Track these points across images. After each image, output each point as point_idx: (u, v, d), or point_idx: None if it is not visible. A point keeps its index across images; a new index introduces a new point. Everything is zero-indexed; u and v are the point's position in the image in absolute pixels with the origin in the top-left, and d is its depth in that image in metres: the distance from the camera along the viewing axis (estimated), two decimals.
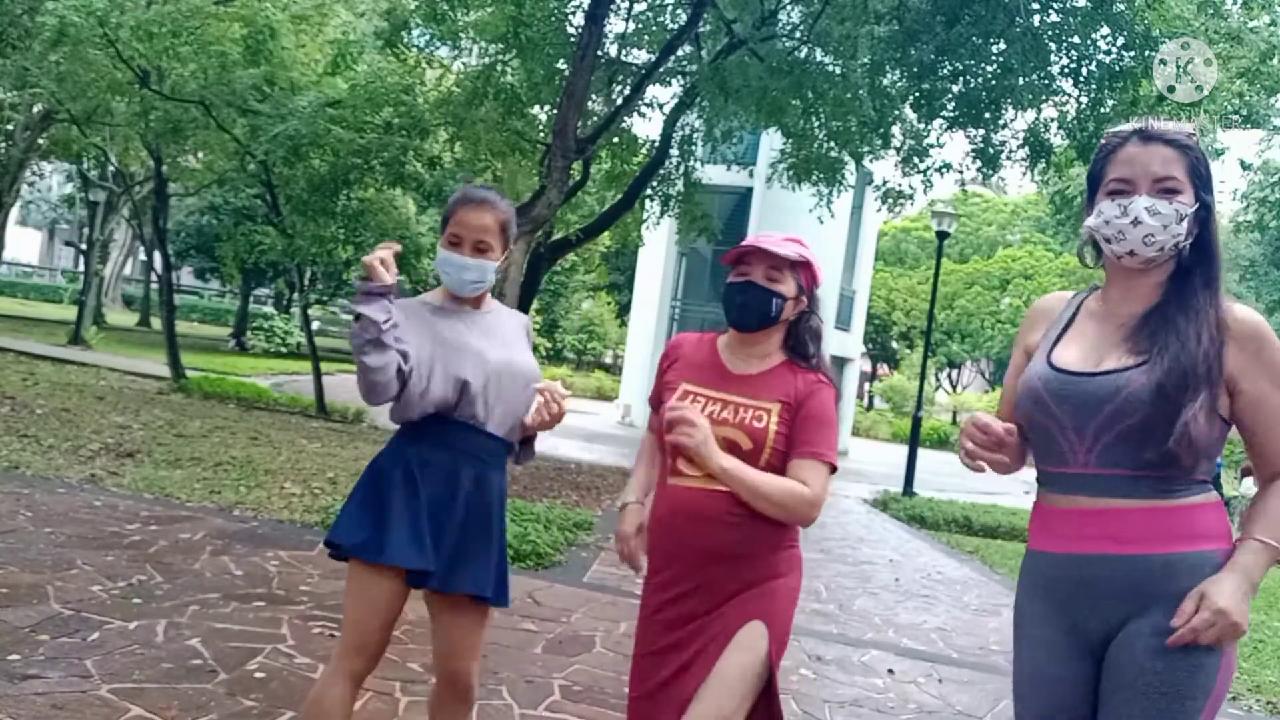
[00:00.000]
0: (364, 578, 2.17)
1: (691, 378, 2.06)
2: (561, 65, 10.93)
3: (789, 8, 10.63)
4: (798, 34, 10.44)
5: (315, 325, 18.92)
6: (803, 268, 2.06)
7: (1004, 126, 10.44)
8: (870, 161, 11.70)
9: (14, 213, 30.99)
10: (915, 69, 9.58)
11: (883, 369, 44.70)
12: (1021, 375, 1.77)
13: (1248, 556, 1.56)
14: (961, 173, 11.26)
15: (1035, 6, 9.12)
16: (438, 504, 2.19)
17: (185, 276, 36.86)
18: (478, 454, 2.26)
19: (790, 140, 11.26)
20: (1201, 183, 1.67)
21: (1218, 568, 1.56)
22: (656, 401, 2.12)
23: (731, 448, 1.93)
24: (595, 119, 11.14)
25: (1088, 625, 1.64)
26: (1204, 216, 1.67)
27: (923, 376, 15.43)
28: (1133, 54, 9.05)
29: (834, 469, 1.98)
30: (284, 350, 25.16)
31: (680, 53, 10.98)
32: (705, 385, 2.04)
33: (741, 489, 1.91)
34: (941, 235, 14.70)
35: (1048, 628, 1.70)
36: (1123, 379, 1.61)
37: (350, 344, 2.10)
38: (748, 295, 2.02)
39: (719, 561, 1.96)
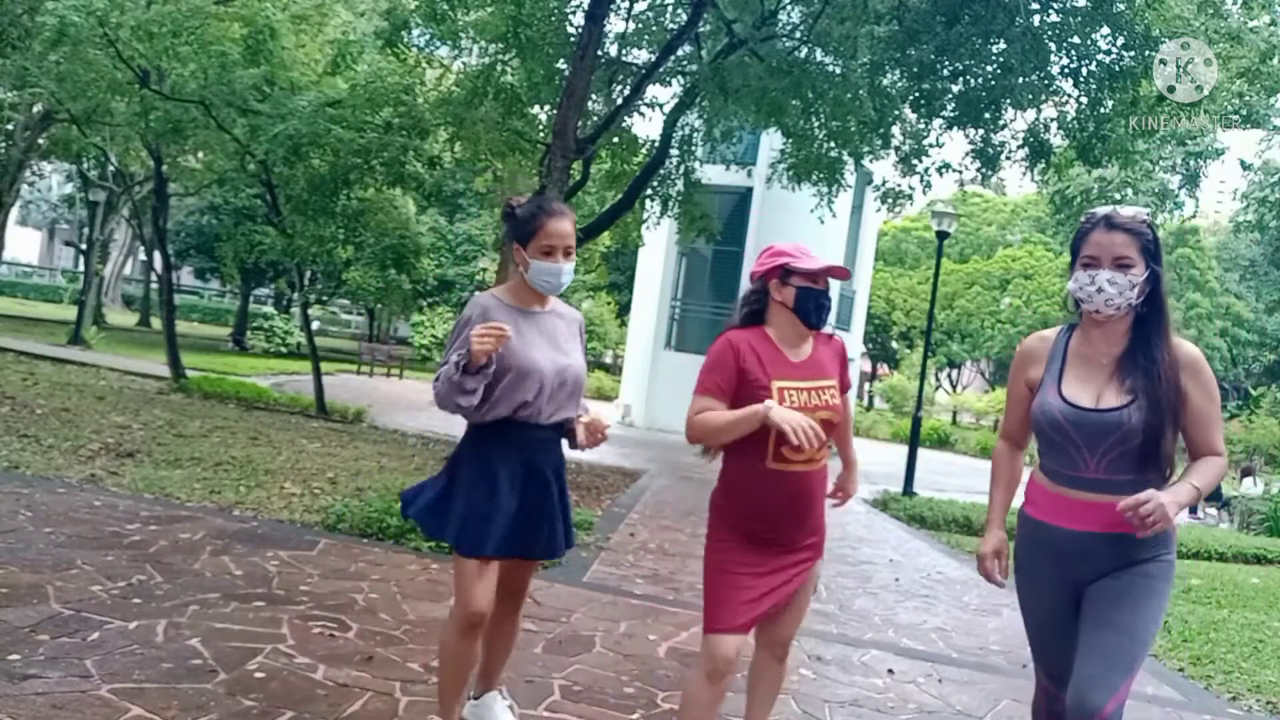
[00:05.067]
0: (475, 564, 2.62)
1: (774, 373, 2.49)
2: (561, 65, 10.93)
3: (789, 8, 10.63)
4: (798, 34, 10.44)
5: (315, 325, 18.93)
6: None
7: (1004, 126, 10.45)
8: (870, 161, 11.70)
9: (14, 213, 31.00)
10: (915, 69, 9.58)
11: (883, 369, 44.66)
12: (1037, 403, 2.35)
13: (1179, 488, 2.21)
14: (961, 173, 11.26)
15: (1035, 6, 9.12)
16: (518, 494, 2.64)
17: (185, 276, 36.90)
18: (538, 445, 2.69)
19: (790, 140, 11.25)
20: (1151, 256, 2.26)
21: (1158, 535, 2.19)
22: (733, 392, 2.48)
23: (827, 426, 2.49)
24: (595, 119, 11.13)
25: (1079, 575, 2.31)
26: (1153, 280, 2.26)
27: (923, 376, 15.41)
28: (1133, 54, 9.05)
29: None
30: (284, 350, 25.15)
31: (680, 53, 10.98)
32: (788, 378, 2.50)
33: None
34: (941, 235, 14.68)
35: (1047, 574, 2.37)
36: (1123, 415, 2.22)
37: (442, 386, 2.54)
38: (828, 300, 2.58)
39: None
